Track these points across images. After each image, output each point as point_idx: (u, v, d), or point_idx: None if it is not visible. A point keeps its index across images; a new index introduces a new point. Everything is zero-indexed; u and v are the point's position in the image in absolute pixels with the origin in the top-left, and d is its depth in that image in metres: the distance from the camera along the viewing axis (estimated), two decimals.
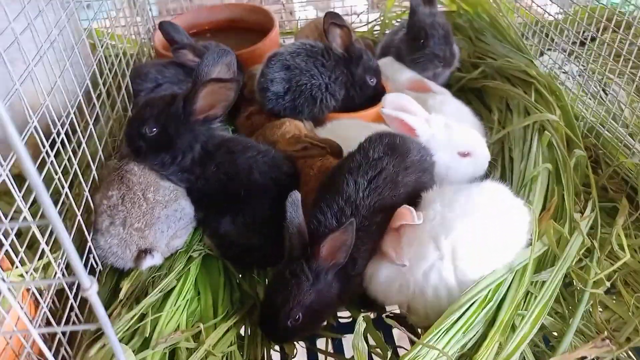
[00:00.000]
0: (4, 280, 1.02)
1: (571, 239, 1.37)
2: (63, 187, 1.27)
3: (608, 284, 1.36)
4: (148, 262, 1.37)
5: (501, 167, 1.71)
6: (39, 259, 1.17)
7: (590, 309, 1.32)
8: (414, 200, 1.35)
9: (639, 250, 1.48)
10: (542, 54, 2.23)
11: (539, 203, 1.44)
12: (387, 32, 2.47)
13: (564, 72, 2.15)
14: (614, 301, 1.38)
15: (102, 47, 1.69)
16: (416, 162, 1.39)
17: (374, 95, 1.89)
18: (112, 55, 1.79)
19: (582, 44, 2.03)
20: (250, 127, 1.85)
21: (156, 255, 1.37)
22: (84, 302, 1.28)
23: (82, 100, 1.48)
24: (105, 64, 1.71)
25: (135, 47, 2.23)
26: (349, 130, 1.71)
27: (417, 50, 1.92)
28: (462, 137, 1.56)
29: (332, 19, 1.73)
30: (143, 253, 1.36)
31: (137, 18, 2.31)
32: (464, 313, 1.12)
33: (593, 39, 2.11)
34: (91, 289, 0.60)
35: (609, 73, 1.86)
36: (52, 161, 1.23)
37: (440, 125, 1.55)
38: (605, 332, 1.21)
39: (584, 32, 1.97)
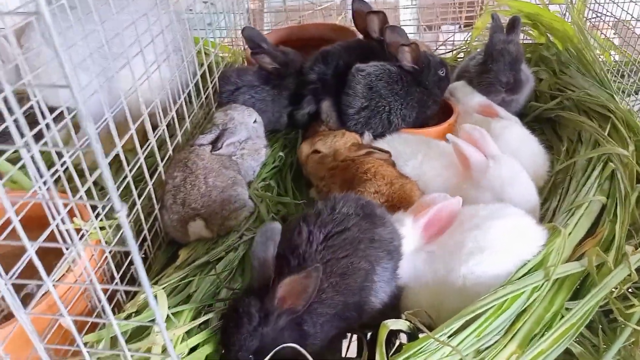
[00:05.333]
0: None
1: (615, 269, 1.32)
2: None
3: None
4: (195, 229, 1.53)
5: (560, 195, 1.69)
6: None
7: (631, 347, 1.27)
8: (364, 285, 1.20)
9: None
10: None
11: (581, 229, 1.42)
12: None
13: None
14: None
15: (196, 52, 1.94)
16: (385, 239, 1.24)
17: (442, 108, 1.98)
18: (210, 61, 2.04)
19: None
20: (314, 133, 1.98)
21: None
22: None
23: (168, 93, 1.70)
24: (198, 67, 1.95)
25: (232, 56, 2.50)
26: (406, 144, 1.78)
27: (483, 73, 1.96)
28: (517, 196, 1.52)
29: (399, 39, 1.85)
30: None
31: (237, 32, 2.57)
32: (478, 316, 1.14)
33: None
34: (121, 211, 0.75)
35: None
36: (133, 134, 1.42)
37: (505, 173, 1.54)
38: None
39: None
